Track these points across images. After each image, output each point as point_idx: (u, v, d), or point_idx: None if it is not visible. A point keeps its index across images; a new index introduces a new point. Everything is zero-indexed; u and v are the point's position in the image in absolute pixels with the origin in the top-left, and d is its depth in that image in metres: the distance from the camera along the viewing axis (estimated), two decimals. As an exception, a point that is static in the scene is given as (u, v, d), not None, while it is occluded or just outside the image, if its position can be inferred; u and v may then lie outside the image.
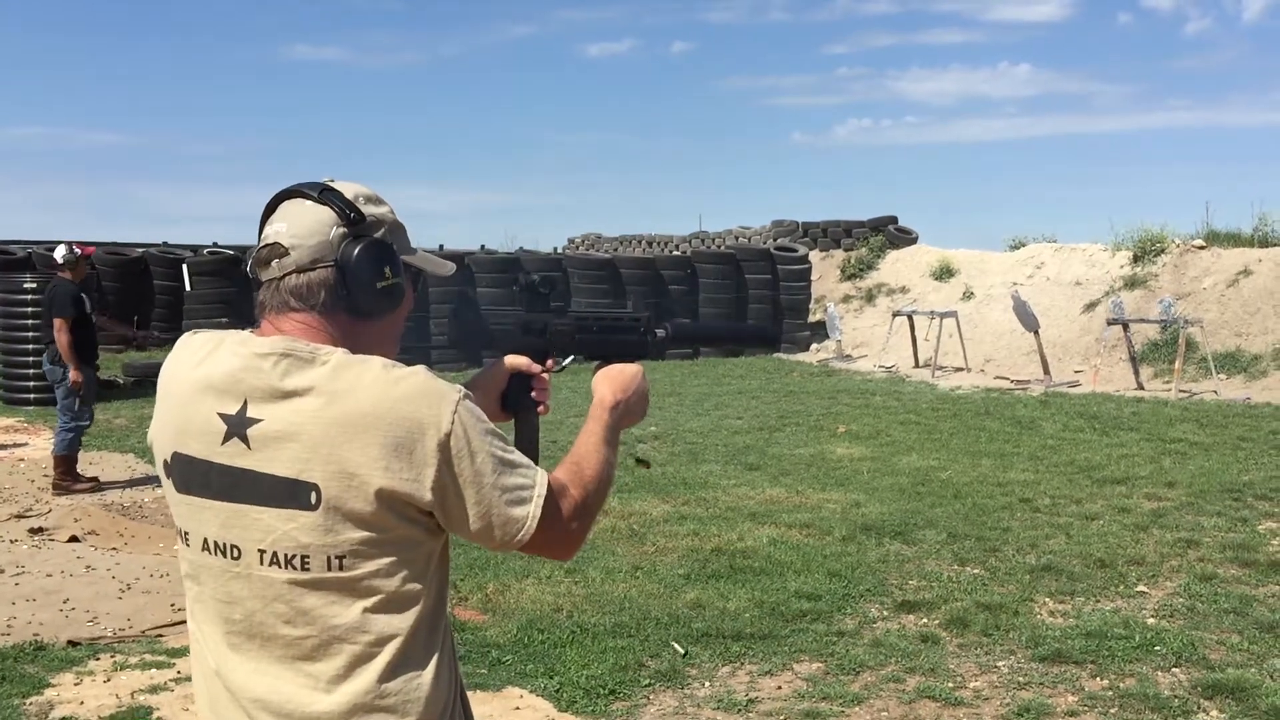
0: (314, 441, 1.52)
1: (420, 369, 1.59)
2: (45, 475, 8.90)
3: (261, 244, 1.63)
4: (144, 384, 13.85)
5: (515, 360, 1.95)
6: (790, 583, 5.97)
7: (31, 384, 12.53)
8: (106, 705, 4.47)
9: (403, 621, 1.57)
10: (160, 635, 5.33)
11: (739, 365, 17.44)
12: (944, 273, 19.83)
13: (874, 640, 5.18)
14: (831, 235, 22.68)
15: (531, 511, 1.60)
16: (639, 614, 5.48)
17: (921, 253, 20.99)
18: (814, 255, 21.52)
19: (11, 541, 7.03)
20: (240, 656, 1.59)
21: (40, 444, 10.43)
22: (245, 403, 1.55)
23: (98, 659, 4.98)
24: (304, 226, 1.60)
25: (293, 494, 1.52)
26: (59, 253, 8.70)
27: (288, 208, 1.63)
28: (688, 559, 6.46)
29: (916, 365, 16.91)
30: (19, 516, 7.69)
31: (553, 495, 1.64)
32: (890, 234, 21.73)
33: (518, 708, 4.45)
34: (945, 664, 4.89)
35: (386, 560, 1.55)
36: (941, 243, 21.45)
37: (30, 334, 12.58)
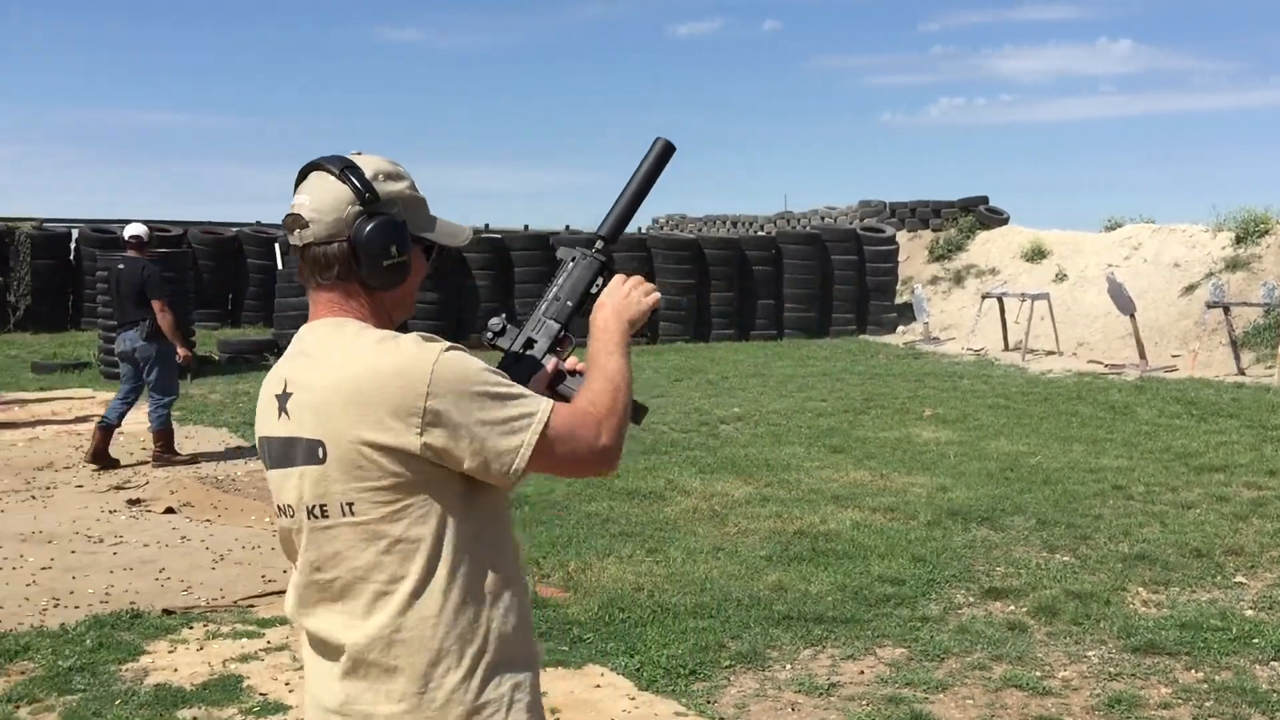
0: (320, 403, 1.71)
1: (410, 336, 1.72)
2: (143, 448, 9.16)
3: (289, 211, 1.78)
4: (237, 360, 14.19)
5: (546, 377, 1.99)
6: (874, 567, 5.90)
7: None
8: (199, 673, 4.59)
9: (413, 564, 1.70)
10: (251, 605, 5.46)
11: (824, 347, 17.28)
12: (1036, 254, 19.40)
13: (959, 626, 5.09)
14: (920, 216, 22.31)
15: (527, 440, 1.69)
16: (720, 595, 5.46)
17: (1013, 233, 20.55)
18: (901, 236, 21.20)
19: (110, 512, 7.25)
20: (306, 605, 1.79)
21: (137, 418, 10.73)
22: (286, 382, 1.77)
23: (191, 628, 5.11)
24: (324, 202, 1.75)
25: (313, 451, 1.71)
26: (139, 230, 8.86)
27: (312, 180, 1.77)
28: (770, 541, 6.42)
29: (1006, 348, 16.58)
30: (118, 488, 7.93)
31: (564, 417, 1.73)
32: (981, 214, 21.31)
33: (598, 685, 4.47)
34: (1033, 652, 4.80)
35: (391, 507, 1.69)
36: (1034, 224, 21.00)
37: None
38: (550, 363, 1.97)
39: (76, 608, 5.37)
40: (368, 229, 1.73)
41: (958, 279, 20.17)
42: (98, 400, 11.74)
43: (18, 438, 9.83)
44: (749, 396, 12.10)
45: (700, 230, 25.72)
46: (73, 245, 19.35)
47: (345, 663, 1.73)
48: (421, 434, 1.66)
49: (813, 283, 18.68)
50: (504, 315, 2.01)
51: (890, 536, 6.47)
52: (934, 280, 20.36)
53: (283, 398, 1.76)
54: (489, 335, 2.00)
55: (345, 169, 1.74)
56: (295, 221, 1.75)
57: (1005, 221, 21.17)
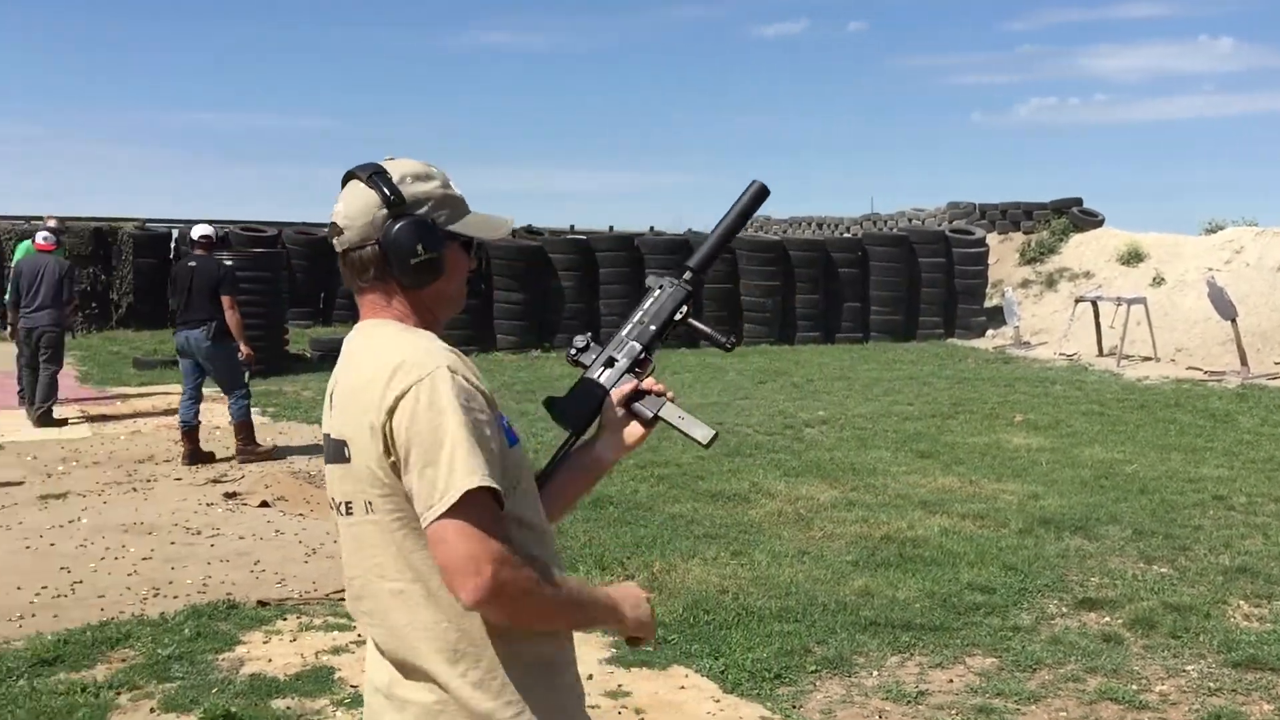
0: (347, 403, 1.77)
1: (427, 339, 1.75)
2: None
3: (330, 219, 1.85)
4: (329, 358, 14.46)
5: (619, 393, 2.02)
6: (963, 574, 5.81)
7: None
8: (292, 664, 4.68)
9: (426, 566, 1.71)
10: (343, 599, 5.55)
11: (910, 350, 17.06)
12: (1132, 257, 18.93)
13: (1052, 637, 4.99)
14: (1011, 218, 21.92)
15: (453, 483, 1.62)
16: (805, 599, 5.42)
17: (1107, 236, 20.08)
18: (991, 238, 20.83)
19: (208, 505, 7.44)
20: (350, 598, 1.86)
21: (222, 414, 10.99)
22: (336, 382, 1.84)
23: (285, 619, 5.22)
24: (354, 208, 1.80)
25: (340, 450, 1.77)
26: (208, 231, 9.04)
27: (347, 189, 1.83)
28: (856, 546, 6.36)
29: (1100, 354, 16.20)
30: (215, 481, 8.13)
31: (465, 518, 1.61)
32: (1074, 216, 20.86)
33: (683, 687, 4.46)
34: (1129, 665, 4.68)
35: (402, 509, 1.71)
36: (1129, 226, 20.49)
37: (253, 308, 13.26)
38: (629, 383, 2.00)
39: (175, 597, 5.52)
40: (394, 230, 1.77)
41: (1050, 282, 19.77)
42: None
43: (120, 431, 10.14)
44: (834, 400, 11.99)
45: (785, 232, 25.59)
46: (173, 245, 19.93)
47: (385, 652, 1.79)
48: (383, 422, 1.68)
49: (900, 285, 18.46)
50: (589, 335, 2.04)
51: (980, 544, 6.37)
52: (1025, 283, 19.98)
53: (331, 396, 1.84)
54: (572, 352, 2.02)
55: (373, 175, 1.79)
56: (333, 229, 1.82)
57: (1100, 224, 20.70)
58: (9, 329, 11.19)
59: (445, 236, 1.81)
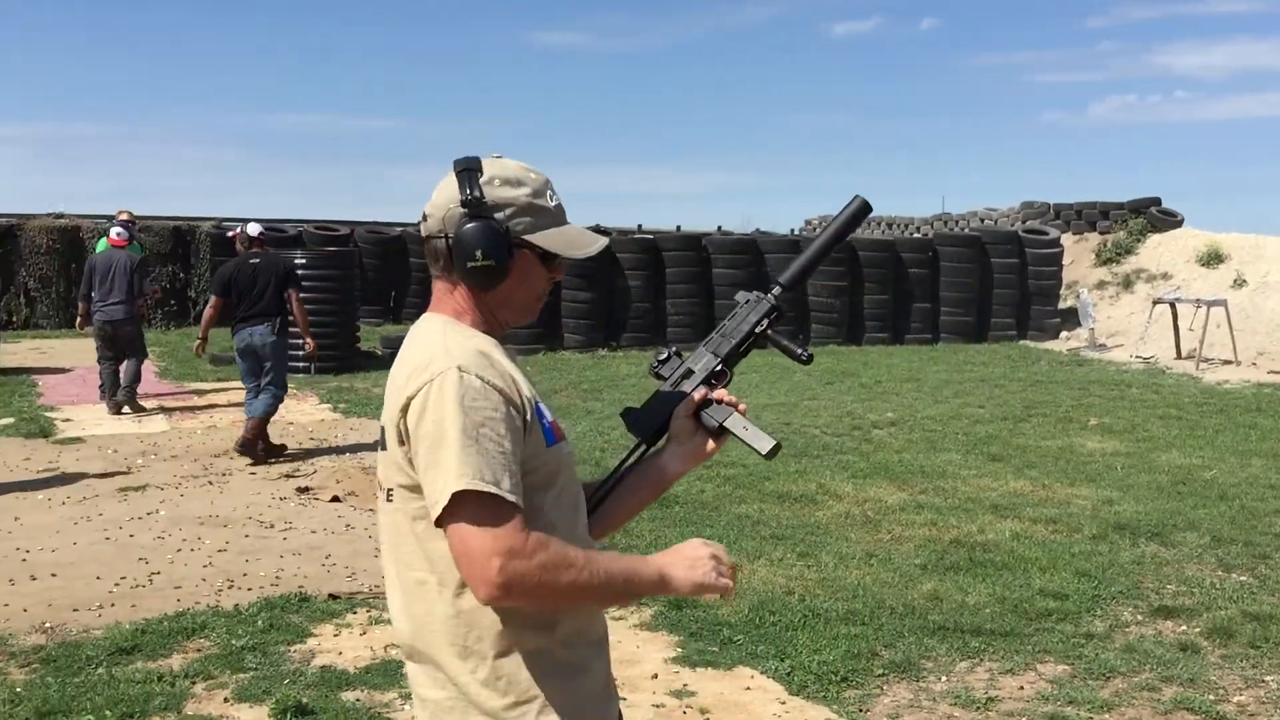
0: (387, 394, 1.81)
1: (453, 340, 1.75)
2: (311, 438, 9.54)
3: None
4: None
5: (689, 403, 2.00)
6: (1035, 580, 5.71)
7: (300, 353, 13.42)
8: (362, 657, 4.75)
9: (443, 560, 1.71)
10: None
11: (982, 352, 16.83)
12: (1212, 258, 18.48)
13: (1126, 645, 4.89)
14: (1086, 218, 21.51)
15: (447, 484, 1.63)
16: (873, 602, 5.37)
17: (1187, 236, 19.62)
18: (1066, 238, 20.47)
19: (281, 499, 7.57)
20: (388, 584, 1.85)
21: (307, 409, 11.19)
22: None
23: (355, 613, 5.30)
24: (439, 199, 1.83)
25: (382, 437, 1.81)
26: (260, 229, 9.17)
27: (444, 179, 1.85)
28: (924, 549, 6.29)
29: (1178, 357, 15.85)
30: (288, 476, 8.27)
31: (474, 515, 1.62)
32: (1152, 216, 20.41)
33: (748, 688, 4.45)
34: (1206, 675, 4.57)
35: (420, 501, 1.72)
36: (1210, 226, 20.01)
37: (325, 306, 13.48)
38: (698, 392, 1.99)
39: (249, 590, 5.62)
40: (463, 229, 1.78)
41: (1126, 283, 19.38)
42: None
43: (196, 426, 10.36)
44: (903, 401, 11.87)
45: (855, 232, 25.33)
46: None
47: (404, 646, 1.82)
48: (398, 419, 1.72)
49: (971, 286, 18.21)
50: (674, 348, 2.05)
51: (1052, 549, 6.26)
52: (1100, 285, 19.61)
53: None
54: (654, 364, 2.04)
55: (465, 170, 1.80)
56: (422, 216, 1.87)
57: (1179, 224, 20.24)
58: (78, 321, 11.53)
59: (517, 245, 1.80)
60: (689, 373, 2.00)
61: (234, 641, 4.85)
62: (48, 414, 10.72)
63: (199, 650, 4.79)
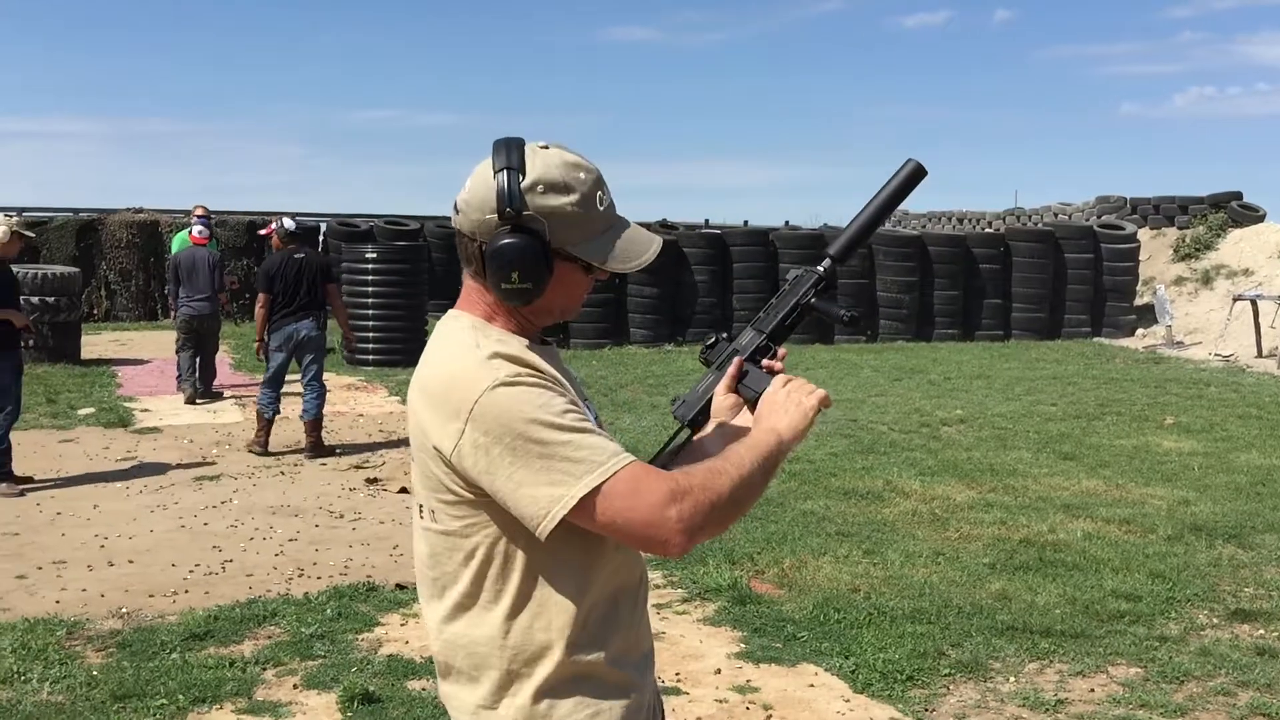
0: (411, 399, 1.70)
1: (486, 350, 1.61)
2: (380, 430, 9.66)
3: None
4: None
5: (726, 379, 1.88)
6: (1107, 581, 5.61)
7: (370, 346, 13.63)
8: (429, 647, 4.79)
9: (485, 581, 1.64)
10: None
11: (1054, 349, 16.54)
12: (1295, 254, 17.97)
13: (1201, 648, 4.77)
14: (1164, 212, 21.03)
15: (565, 496, 1.53)
16: (940, 601, 5.31)
17: (1270, 231, 19.09)
18: (1143, 234, 20.03)
19: (350, 490, 7.68)
20: (421, 597, 1.79)
21: (377, 401, 11.34)
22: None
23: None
24: (474, 196, 1.65)
25: (414, 453, 1.72)
26: (290, 225, 9.22)
27: (480, 167, 1.66)
28: (993, 548, 6.20)
29: (1260, 355, 15.43)
30: (357, 467, 8.39)
31: (631, 474, 1.55)
32: (1233, 211, 19.90)
33: (812, 685, 4.42)
34: (1285, 682, 4.45)
35: (462, 521, 1.64)
36: (1293, 221, 19.43)
37: (370, 300, 13.69)
38: (735, 365, 1.87)
39: (318, 578, 5.71)
40: (499, 243, 1.61)
41: (1206, 280, 18.92)
42: (338, 384, 12.48)
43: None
44: (973, 398, 11.71)
45: (924, 226, 25.08)
46: (321, 238, 20.62)
47: (440, 666, 1.73)
48: (451, 454, 1.59)
49: (1044, 282, 17.91)
50: (724, 334, 1.95)
51: (1125, 550, 6.14)
52: (1178, 281, 19.17)
53: None
54: (703, 350, 1.95)
55: (505, 169, 1.61)
56: (455, 205, 1.70)
57: (1261, 219, 19.70)
58: (172, 315, 11.92)
59: (560, 258, 1.65)
60: (734, 353, 1.90)
61: (303, 629, 4.93)
62: (126, 404, 10.98)
63: (269, 637, 4.88)
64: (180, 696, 4.21)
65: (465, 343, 1.64)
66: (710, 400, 1.88)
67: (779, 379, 1.80)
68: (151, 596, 5.41)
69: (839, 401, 11.09)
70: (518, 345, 1.65)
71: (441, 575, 1.69)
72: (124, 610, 5.21)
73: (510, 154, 1.63)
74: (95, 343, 15.19)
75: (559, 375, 1.65)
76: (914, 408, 10.99)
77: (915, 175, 1.92)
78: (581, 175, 1.66)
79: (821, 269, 1.93)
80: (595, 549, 1.64)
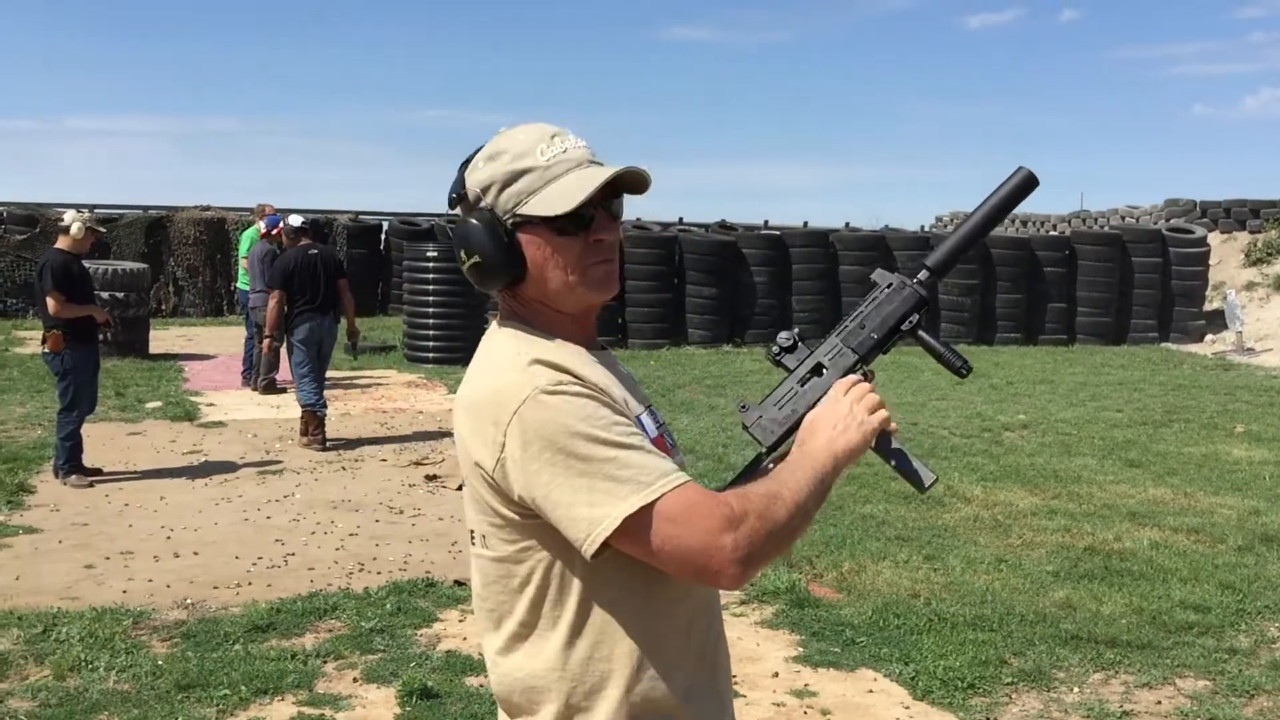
0: (456, 420, 1.59)
1: (525, 359, 1.50)
2: (440, 427, 9.73)
3: None
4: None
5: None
6: (1174, 591, 5.49)
7: (431, 343, 13.74)
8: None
9: (540, 611, 1.53)
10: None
11: (1120, 355, 16.25)
12: (1373, 259, 17.49)
13: (1272, 662, 4.66)
14: (1235, 216, 20.57)
15: (612, 513, 1.41)
16: (1002, 608, 5.23)
17: (1345, 236, 18.61)
18: (1213, 237, 19.62)
19: (410, 486, 7.75)
20: (479, 625, 1.67)
21: (436, 399, 11.42)
22: None
23: (479, 599, 5.38)
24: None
25: (462, 472, 1.61)
26: (296, 221, 9.34)
27: None
28: (1057, 556, 6.10)
29: (1333, 362, 15.05)
30: (417, 464, 8.45)
31: (683, 496, 1.44)
32: (1307, 215, 19.41)
33: (871, 690, 4.37)
34: (1362, 699, 4.32)
35: (513, 546, 1.53)
36: (1371, 225, 18.91)
37: (430, 298, 13.81)
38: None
39: (378, 573, 5.76)
40: (455, 233, 1.58)
41: (1278, 285, 18.48)
42: (400, 381, 12.60)
43: (330, 413, 10.65)
44: (1036, 404, 11.54)
45: (987, 229, 24.71)
46: (383, 236, 20.84)
47: (500, 700, 1.63)
48: (494, 470, 1.49)
49: (1110, 286, 17.60)
50: (796, 331, 1.77)
51: (1194, 560, 6.01)
52: (1250, 286, 18.74)
53: None
54: (775, 350, 1.75)
55: (462, 164, 1.58)
56: None
57: (1337, 223, 19.21)
58: (245, 312, 12.13)
59: (513, 225, 1.53)
60: (819, 369, 1.70)
61: (363, 623, 4.97)
62: (193, 398, 11.17)
63: (330, 631, 4.93)
64: (243, 687, 4.26)
65: (507, 351, 1.54)
66: (798, 423, 1.68)
67: (840, 384, 1.64)
68: (215, 588, 5.50)
69: (899, 405, 10.98)
70: (562, 350, 1.54)
71: (497, 605, 1.58)
72: (189, 601, 5.30)
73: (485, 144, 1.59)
74: (162, 338, 15.48)
75: (610, 383, 1.54)
76: (975, 412, 10.85)
77: (1026, 185, 1.77)
78: (519, 135, 1.55)
79: (920, 288, 1.75)
80: (659, 570, 1.49)
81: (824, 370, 1.71)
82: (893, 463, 1.70)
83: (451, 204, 1.56)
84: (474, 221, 1.53)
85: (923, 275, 1.76)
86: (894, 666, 4.57)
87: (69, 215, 7.71)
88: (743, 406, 1.74)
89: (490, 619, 1.60)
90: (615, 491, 1.42)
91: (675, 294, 16.24)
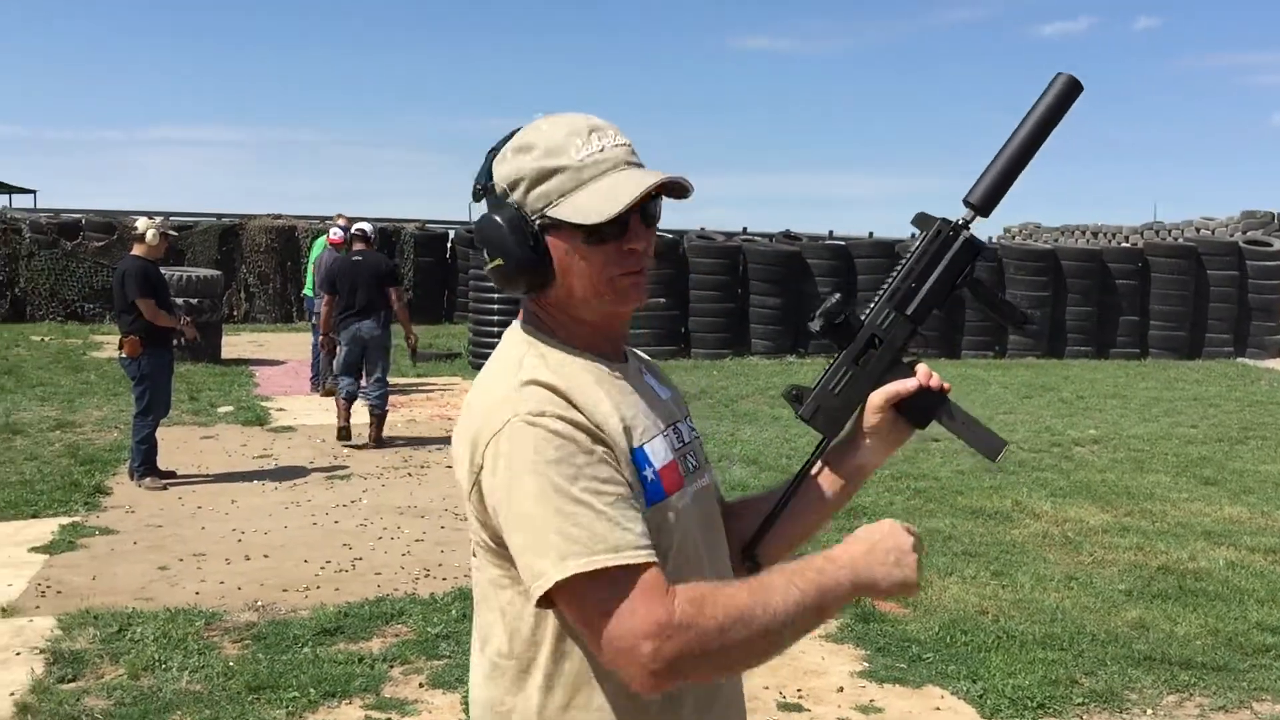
0: (459, 425, 1.47)
1: (520, 376, 1.38)
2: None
3: None
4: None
5: (891, 392, 1.60)
6: (1252, 612, 5.36)
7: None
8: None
9: (517, 641, 1.42)
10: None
11: (1194, 369, 15.91)
12: None
13: (1356, 689, 4.52)
14: (1315, 228, 20.08)
15: (543, 570, 1.28)
16: (1073, 627, 5.14)
17: None
18: (1292, 250, 19.15)
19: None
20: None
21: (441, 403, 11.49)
22: None
23: (543, 607, 5.39)
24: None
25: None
26: (369, 228, 9.85)
27: None
28: (1129, 574, 5.98)
29: None
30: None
31: (615, 586, 1.27)
32: (1391, 227, 18.89)
33: (938, 708, 4.32)
34: None
35: (499, 569, 1.42)
36: None
37: (495, 306, 13.92)
38: (907, 382, 1.58)
39: (444, 579, 5.81)
40: (477, 227, 1.45)
41: (1360, 299, 17.97)
42: (466, 388, 12.69)
43: (397, 419, 10.78)
44: (1107, 418, 11.33)
45: (1057, 240, 24.41)
46: (449, 245, 21.05)
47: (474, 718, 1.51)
48: (470, 490, 1.39)
49: (1184, 299, 17.25)
50: (838, 295, 1.62)
51: (1272, 580, 5.85)
52: (1330, 300, 18.25)
53: None
54: (819, 324, 1.60)
55: (491, 150, 1.44)
56: None
57: None
58: (312, 318, 12.35)
59: (542, 227, 1.39)
60: (874, 340, 1.59)
61: (429, 629, 5.01)
62: (263, 403, 11.36)
63: (397, 635, 4.98)
64: (311, 690, 4.32)
65: (511, 362, 1.43)
66: (860, 410, 1.60)
67: (896, 527, 1.45)
68: (285, 591, 5.58)
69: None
70: (568, 368, 1.41)
71: (484, 626, 1.47)
72: (259, 603, 5.38)
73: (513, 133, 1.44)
74: (234, 343, 15.76)
75: (613, 409, 1.39)
76: (1044, 426, 10.68)
77: (1070, 92, 1.59)
78: (553, 128, 1.40)
79: (968, 230, 1.58)
80: None
81: (878, 342, 1.59)
82: (962, 431, 1.62)
83: (476, 195, 1.44)
84: (498, 220, 1.39)
85: (966, 214, 1.59)
86: (961, 684, 4.51)
87: (142, 222, 7.90)
88: (794, 395, 1.62)
89: (477, 636, 1.50)
90: (560, 549, 1.28)
91: (739, 304, 16.20)
